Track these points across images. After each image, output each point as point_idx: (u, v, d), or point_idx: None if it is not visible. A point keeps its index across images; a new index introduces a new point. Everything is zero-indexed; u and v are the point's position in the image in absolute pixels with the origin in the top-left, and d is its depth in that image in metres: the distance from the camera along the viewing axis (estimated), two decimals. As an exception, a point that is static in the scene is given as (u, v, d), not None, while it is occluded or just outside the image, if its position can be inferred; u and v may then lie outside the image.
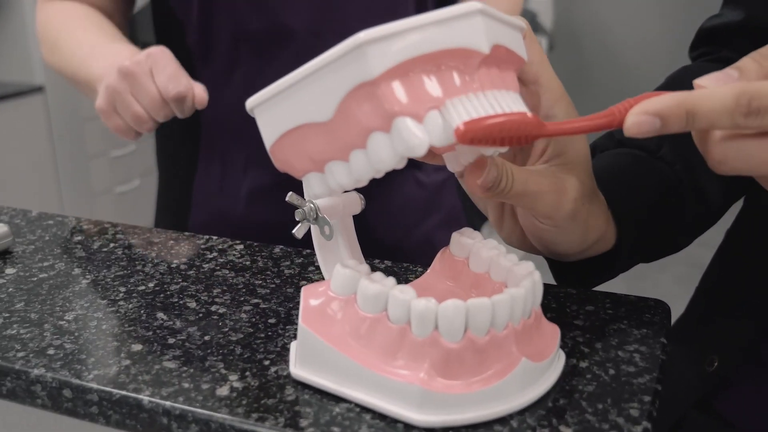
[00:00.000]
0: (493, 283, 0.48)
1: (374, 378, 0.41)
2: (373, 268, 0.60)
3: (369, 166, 0.40)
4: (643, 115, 0.37)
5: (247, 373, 0.46)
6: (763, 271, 0.62)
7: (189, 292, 0.58)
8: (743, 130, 0.37)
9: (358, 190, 0.47)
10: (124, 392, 0.44)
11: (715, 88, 0.37)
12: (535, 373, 0.43)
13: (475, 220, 0.96)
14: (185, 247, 0.67)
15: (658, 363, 0.47)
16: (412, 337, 0.41)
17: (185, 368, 0.47)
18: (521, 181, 0.46)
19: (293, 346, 0.47)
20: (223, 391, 0.44)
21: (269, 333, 0.51)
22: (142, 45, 0.84)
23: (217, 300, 0.56)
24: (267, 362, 0.47)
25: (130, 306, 0.56)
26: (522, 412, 0.42)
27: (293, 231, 0.49)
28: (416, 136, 0.37)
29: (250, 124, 0.57)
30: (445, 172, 1.00)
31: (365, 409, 0.42)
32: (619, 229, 0.54)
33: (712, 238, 0.71)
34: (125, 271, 0.62)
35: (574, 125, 0.40)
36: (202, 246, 0.67)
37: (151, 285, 0.59)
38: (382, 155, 0.39)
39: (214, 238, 0.69)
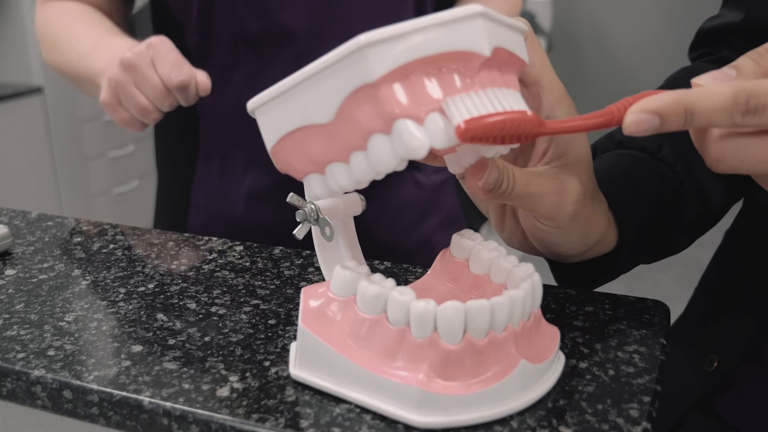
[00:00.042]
0: (493, 284, 0.48)
1: (373, 379, 0.41)
2: (373, 270, 0.60)
3: (369, 167, 0.40)
4: (642, 113, 0.38)
5: (248, 374, 0.46)
6: (763, 271, 0.62)
7: (189, 293, 0.58)
8: (741, 128, 0.37)
9: (357, 191, 0.47)
10: (124, 393, 0.44)
11: (713, 87, 0.37)
12: (535, 374, 0.43)
13: (474, 221, 0.96)
14: (185, 249, 0.67)
15: (658, 363, 0.47)
16: (412, 338, 0.41)
17: (185, 369, 0.47)
18: (522, 183, 0.46)
19: (293, 346, 0.47)
20: (223, 392, 0.44)
21: (269, 334, 0.51)
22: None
23: (217, 301, 0.56)
24: (267, 363, 0.47)
25: (130, 307, 0.56)
26: (522, 413, 0.42)
27: (294, 232, 0.49)
28: (417, 138, 0.37)
29: (250, 125, 0.57)
30: (444, 173, 1.00)
31: (365, 410, 0.42)
32: (620, 230, 0.54)
33: (711, 238, 0.71)
34: (125, 273, 0.62)
35: (573, 123, 0.40)
36: (202, 247, 0.67)
37: (151, 286, 0.59)
38: (382, 157, 0.39)
39: (214, 239, 0.69)
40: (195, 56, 0.88)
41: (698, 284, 0.72)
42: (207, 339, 0.51)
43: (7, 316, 0.54)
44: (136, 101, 0.75)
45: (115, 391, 0.45)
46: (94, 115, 2.81)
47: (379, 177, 0.41)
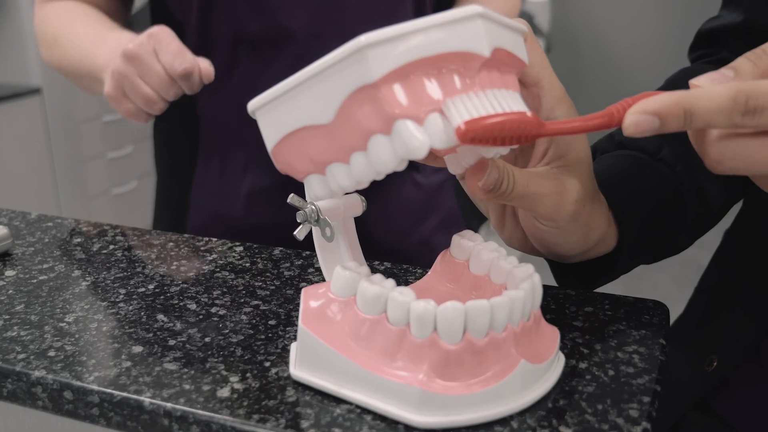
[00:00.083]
0: (493, 285, 0.48)
1: (374, 379, 0.41)
2: (373, 270, 0.60)
3: (370, 167, 0.40)
4: (642, 114, 0.38)
5: (248, 375, 0.46)
6: (762, 271, 0.63)
7: (189, 293, 0.58)
8: (740, 129, 0.38)
9: (357, 192, 0.47)
10: (125, 394, 0.44)
11: (713, 87, 0.37)
12: (535, 374, 0.43)
13: (473, 221, 0.96)
14: (185, 249, 0.67)
15: (657, 364, 0.47)
16: (412, 338, 0.41)
17: (186, 370, 0.47)
18: (522, 183, 0.46)
19: (293, 347, 0.47)
20: (224, 392, 0.44)
21: (269, 334, 0.51)
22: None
23: (217, 302, 0.56)
24: (267, 364, 0.47)
25: (131, 308, 0.56)
26: (522, 413, 0.42)
27: (295, 233, 0.49)
28: (417, 139, 0.38)
29: (250, 125, 0.57)
30: (443, 173, 1.00)
31: (366, 411, 0.42)
32: (620, 231, 0.54)
33: (710, 239, 0.71)
34: (125, 273, 0.62)
35: (573, 125, 0.41)
36: (202, 248, 0.67)
37: (151, 287, 0.59)
38: (382, 157, 0.39)
39: (214, 239, 0.69)
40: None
41: (698, 284, 0.72)
42: (207, 340, 0.51)
43: (8, 317, 0.54)
44: (141, 92, 0.75)
45: (116, 392, 0.45)
46: (92, 115, 2.81)
47: (380, 177, 0.41)
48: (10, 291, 0.58)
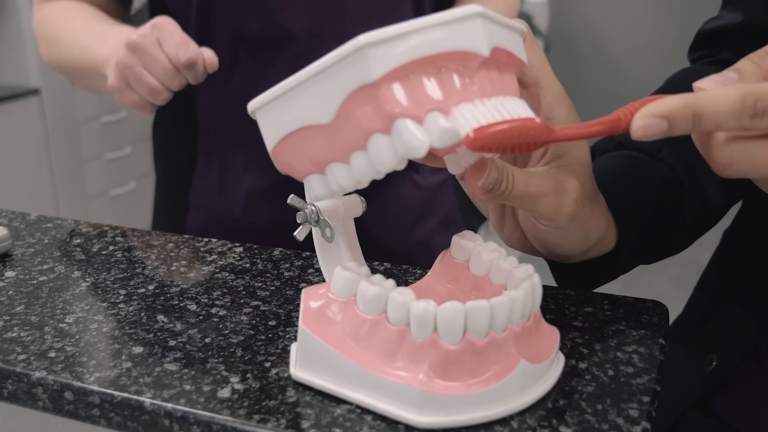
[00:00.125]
0: (493, 285, 0.48)
1: (374, 379, 0.41)
2: (373, 271, 0.61)
3: (370, 167, 0.40)
4: (650, 117, 0.37)
5: (248, 375, 0.46)
6: (762, 271, 0.63)
7: (189, 294, 0.58)
8: (748, 131, 0.37)
9: (357, 192, 0.47)
10: (125, 394, 0.44)
11: (721, 90, 0.37)
12: (534, 374, 0.43)
13: (472, 222, 0.96)
14: (185, 250, 0.67)
15: (657, 364, 0.47)
16: (412, 338, 0.41)
17: (186, 370, 0.47)
18: (522, 183, 0.46)
19: (294, 347, 0.47)
20: (224, 392, 0.44)
21: (269, 335, 0.51)
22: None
23: (217, 302, 0.56)
24: (268, 364, 0.47)
25: (131, 308, 0.56)
26: (522, 413, 0.42)
27: (295, 233, 0.49)
28: (416, 138, 0.38)
29: (249, 125, 0.57)
30: (442, 174, 1.00)
31: (366, 411, 0.42)
32: (619, 231, 0.54)
33: (709, 239, 0.71)
34: (125, 274, 0.62)
35: (581, 130, 0.40)
36: (202, 248, 0.67)
37: (151, 288, 0.59)
38: (382, 156, 0.39)
39: (214, 240, 0.69)
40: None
41: (697, 284, 0.72)
42: (207, 340, 0.51)
43: (8, 317, 0.54)
44: (146, 82, 0.75)
45: (116, 393, 0.45)
46: (91, 116, 2.81)
47: (380, 177, 0.41)
48: (10, 292, 0.58)
